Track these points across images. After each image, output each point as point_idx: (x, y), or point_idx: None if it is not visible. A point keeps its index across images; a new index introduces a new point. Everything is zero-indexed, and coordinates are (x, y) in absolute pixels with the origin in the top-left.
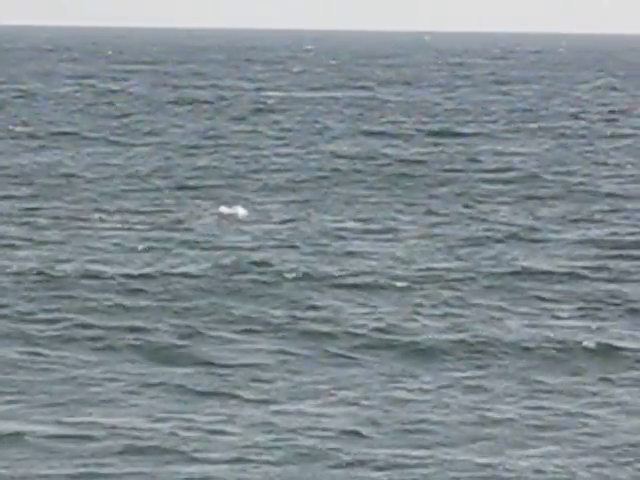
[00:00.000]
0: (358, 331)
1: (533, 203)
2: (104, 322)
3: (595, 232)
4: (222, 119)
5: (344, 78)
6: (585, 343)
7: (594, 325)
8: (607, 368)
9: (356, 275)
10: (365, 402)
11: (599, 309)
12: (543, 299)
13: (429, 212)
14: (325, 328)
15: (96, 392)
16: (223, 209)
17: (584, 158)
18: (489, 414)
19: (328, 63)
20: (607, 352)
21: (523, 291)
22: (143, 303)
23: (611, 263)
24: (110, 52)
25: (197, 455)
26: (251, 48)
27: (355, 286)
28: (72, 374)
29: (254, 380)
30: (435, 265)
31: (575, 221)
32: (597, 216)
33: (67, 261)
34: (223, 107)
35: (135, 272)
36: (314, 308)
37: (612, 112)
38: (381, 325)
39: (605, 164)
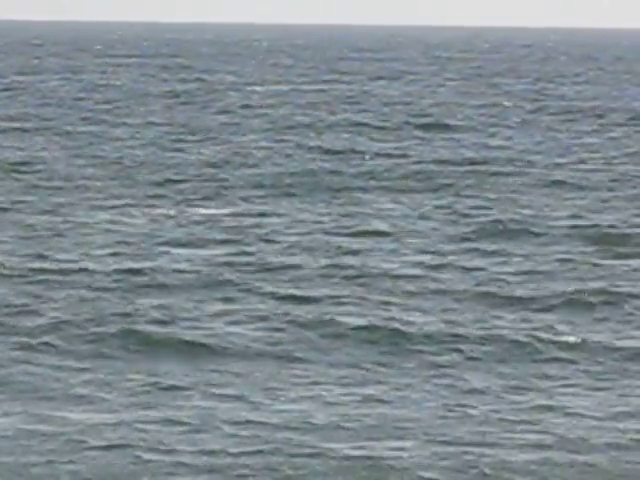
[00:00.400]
0: (342, 323)
1: (519, 196)
2: (87, 317)
3: (580, 226)
4: (209, 112)
5: (333, 72)
6: (566, 337)
7: (577, 320)
8: (588, 362)
9: (341, 268)
10: (344, 397)
11: (583, 303)
12: (528, 293)
13: (415, 205)
14: (309, 320)
15: (72, 385)
16: (208, 203)
17: (570, 152)
18: (470, 410)
19: (317, 57)
20: (588, 346)
21: (507, 285)
22: (127, 297)
23: (596, 258)
24: (99, 47)
25: (175, 448)
26: (241, 41)
27: (340, 279)
28: (52, 367)
29: (236, 373)
30: (421, 258)
31: (561, 216)
32: (582, 211)
33: (51, 256)
34: (210, 100)
35: (120, 267)
36: (299, 300)
37: (598, 107)
38: (366, 318)
39: (591, 158)
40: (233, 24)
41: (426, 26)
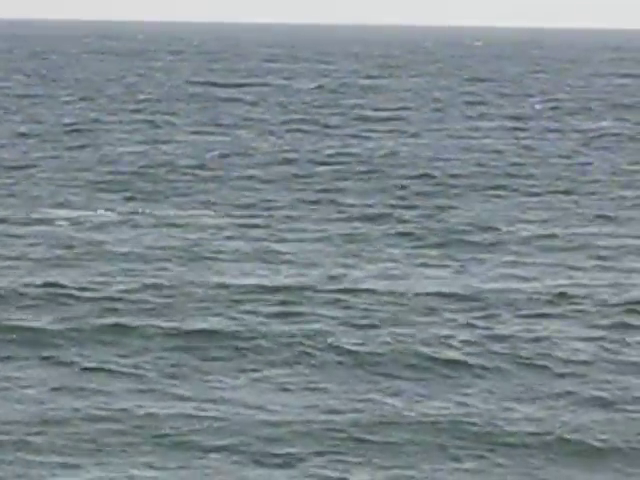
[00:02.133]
0: (334, 343)
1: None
2: (81, 336)
3: (570, 233)
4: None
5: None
6: (536, 349)
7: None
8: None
9: (328, 284)
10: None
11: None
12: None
13: (400, 218)
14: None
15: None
16: (199, 207)
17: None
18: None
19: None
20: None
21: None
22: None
23: (575, 261)
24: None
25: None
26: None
27: (336, 297)
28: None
29: (221, 381)
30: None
31: (547, 221)
32: (573, 220)
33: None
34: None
35: (120, 282)
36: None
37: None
38: (360, 337)
39: (581, 163)
40: (227, 24)
41: (416, 26)
